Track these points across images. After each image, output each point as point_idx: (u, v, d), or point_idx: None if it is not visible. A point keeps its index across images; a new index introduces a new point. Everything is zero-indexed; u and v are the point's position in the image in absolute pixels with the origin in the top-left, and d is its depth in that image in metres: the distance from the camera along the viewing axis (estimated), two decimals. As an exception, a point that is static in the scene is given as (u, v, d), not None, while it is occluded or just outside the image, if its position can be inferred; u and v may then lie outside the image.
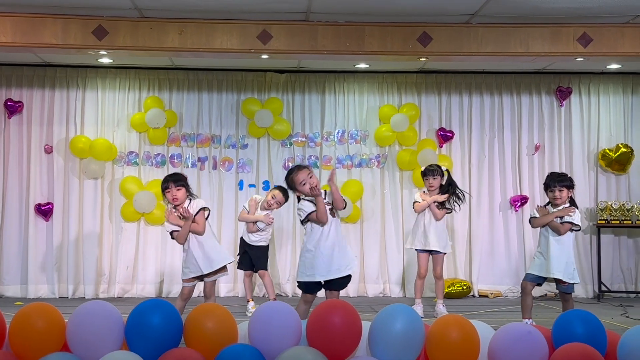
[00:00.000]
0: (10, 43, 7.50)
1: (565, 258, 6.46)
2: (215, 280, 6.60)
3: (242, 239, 8.08)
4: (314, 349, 3.93)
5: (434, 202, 7.73)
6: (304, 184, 5.85)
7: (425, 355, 4.15)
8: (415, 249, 7.90)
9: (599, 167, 9.81)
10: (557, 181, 6.55)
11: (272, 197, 7.85)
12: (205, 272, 6.45)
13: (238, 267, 8.17)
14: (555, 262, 6.41)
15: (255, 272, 8.03)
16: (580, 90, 9.86)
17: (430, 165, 7.98)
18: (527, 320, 6.51)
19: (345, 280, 6.04)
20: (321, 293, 6.05)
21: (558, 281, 6.53)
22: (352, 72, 9.64)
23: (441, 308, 7.77)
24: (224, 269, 6.59)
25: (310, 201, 5.90)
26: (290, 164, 9.46)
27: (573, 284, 6.53)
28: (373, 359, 4.04)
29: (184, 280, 6.58)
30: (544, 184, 6.73)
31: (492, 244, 9.72)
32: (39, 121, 9.39)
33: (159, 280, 9.42)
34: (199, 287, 6.78)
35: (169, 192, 6.41)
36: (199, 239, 6.43)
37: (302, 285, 6.05)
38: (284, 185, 6.30)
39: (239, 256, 8.09)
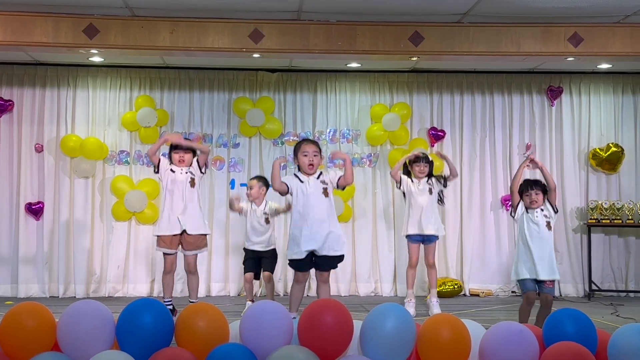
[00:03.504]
0: (1, 41, 7.46)
1: (549, 256, 6.48)
2: (196, 255, 6.83)
3: (245, 251, 7.96)
4: (305, 348, 3.93)
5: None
6: (305, 155, 5.94)
7: (417, 354, 4.15)
8: (407, 235, 7.87)
9: (589, 167, 9.84)
10: (533, 185, 6.55)
11: (249, 188, 7.84)
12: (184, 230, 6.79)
13: (245, 271, 7.99)
14: (543, 263, 6.42)
15: (262, 272, 7.90)
16: (571, 89, 9.89)
17: (420, 153, 8.01)
18: None
19: (334, 261, 6.04)
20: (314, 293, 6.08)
21: (543, 282, 6.51)
22: (343, 71, 9.64)
23: (434, 304, 7.78)
24: (204, 242, 6.86)
25: (297, 177, 5.97)
26: (282, 164, 9.44)
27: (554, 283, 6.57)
28: (365, 358, 4.04)
29: (160, 242, 6.77)
30: (518, 192, 6.63)
31: (483, 243, 9.74)
32: (29, 120, 9.35)
33: (150, 280, 9.40)
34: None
35: (177, 153, 6.98)
36: (188, 196, 6.80)
37: (292, 263, 6.09)
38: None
39: (244, 262, 7.98)
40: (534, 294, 6.45)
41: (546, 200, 6.58)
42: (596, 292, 9.51)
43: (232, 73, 9.64)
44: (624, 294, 9.71)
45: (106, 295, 9.24)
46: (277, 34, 7.69)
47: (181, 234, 7.03)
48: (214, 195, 9.47)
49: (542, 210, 6.52)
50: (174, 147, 7.11)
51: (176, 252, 7.07)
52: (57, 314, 4.17)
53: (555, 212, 6.59)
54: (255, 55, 8.02)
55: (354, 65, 9.19)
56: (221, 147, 9.55)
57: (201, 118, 9.57)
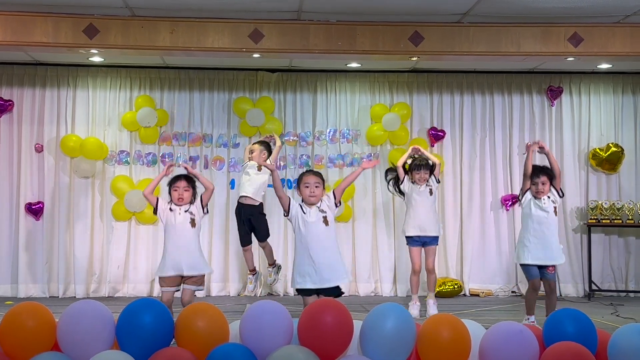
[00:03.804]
0: (1, 41, 7.46)
1: (556, 241, 6.74)
2: (194, 291, 6.59)
3: (237, 206, 8.12)
4: (305, 348, 3.93)
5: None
6: (307, 186, 5.92)
7: (417, 354, 4.15)
8: (407, 238, 7.88)
9: (589, 167, 9.84)
10: (540, 172, 6.76)
11: (251, 152, 8.03)
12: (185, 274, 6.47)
13: (242, 245, 8.20)
14: (552, 248, 6.61)
15: (258, 240, 8.10)
16: (571, 89, 9.89)
17: (420, 159, 7.99)
18: (531, 317, 6.75)
19: (335, 291, 6.04)
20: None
21: (546, 268, 6.77)
22: (343, 71, 9.64)
23: (432, 305, 7.80)
24: (201, 280, 6.65)
25: (301, 207, 5.95)
26: (282, 164, 9.47)
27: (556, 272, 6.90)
28: (365, 358, 4.04)
29: (161, 282, 6.58)
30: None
31: (483, 243, 9.74)
32: (29, 120, 9.36)
33: (150, 280, 9.39)
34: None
35: (176, 190, 6.54)
36: (189, 237, 6.49)
37: (299, 292, 6.12)
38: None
39: (237, 229, 8.18)
40: (538, 281, 6.69)
41: (552, 187, 6.76)
42: (596, 292, 9.51)
43: (232, 73, 9.64)
44: (624, 294, 9.71)
45: (106, 295, 9.24)
46: (277, 34, 7.69)
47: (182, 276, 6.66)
48: (213, 195, 9.41)
49: (549, 197, 6.73)
50: (172, 183, 6.62)
51: (175, 290, 6.65)
52: (57, 314, 4.17)
53: (561, 196, 6.84)
54: (255, 55, 8.02)
55: (354, 65, 9.19)
56: (221, 147, 9.55)
57: (201, 118, 9.57)
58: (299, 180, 6.10)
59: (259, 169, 7.95)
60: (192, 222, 6.55)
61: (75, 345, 4.02)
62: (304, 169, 8.48)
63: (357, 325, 4.15)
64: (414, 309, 7.75)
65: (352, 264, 9.55)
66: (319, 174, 6.09)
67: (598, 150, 9.72)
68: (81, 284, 9.26)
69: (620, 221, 9.45)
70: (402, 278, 9.37)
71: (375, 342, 4.02)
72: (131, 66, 9.46)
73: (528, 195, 6.81)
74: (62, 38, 7.52)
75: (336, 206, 6.08)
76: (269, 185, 7.65)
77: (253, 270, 8.28)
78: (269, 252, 8.21)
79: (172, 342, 4.19)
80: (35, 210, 9.24)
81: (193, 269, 6.47)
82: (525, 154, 6.90)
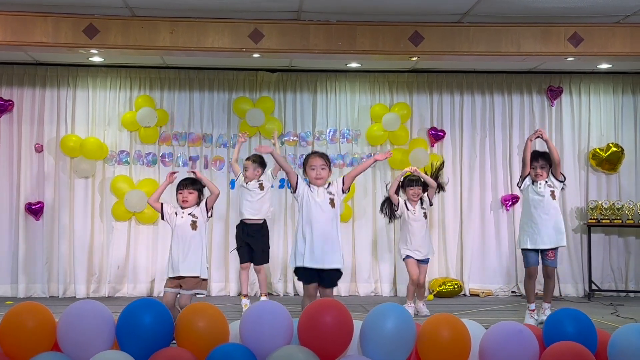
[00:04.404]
0: (1, 41, 7.46)
1: (554, 224, 6.88)
2: (190, 296, 6.55)
3: (238, 225, 7.99)
4: (305, 348, 3.93)
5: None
6: (313, 168, 5.95)
7: (417, 354, 4.15)
8: (404, 256, 7.92)
9: (589, 167, 9.84)
10: (539, 157, 7.00)
11: (245, 169, 7.90)
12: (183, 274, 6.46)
13: (240, 262, 8.06)
14: (548, 233, 6.72)
15: (255, 263, 7.92)
16: (571, 89, 9.89)
17: (412, 176, 7.95)
18: (532, 305, 6.99)
19: (334, 277, 6.05)
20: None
21: (545, 254, 6.92)
22: (343, 71, 9.64)
23: (422, 307, 7.96)
24: (203, 284, 6.61)
25: (308, 185, 5.99)
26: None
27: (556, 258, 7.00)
28: (365, 358, 4.04)
29: (166, 282, 6.59)
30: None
31: (483, 243, 9.74)
32: (29, 120, 9.36)
33: (150, 280, 9.40)
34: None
35: (181, 193, 6.54)
36: (189, 239, 6.47)
37: (297, 274, 6.11)
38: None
39: (236, 249, 8.01)
40: (535, 268, 6.91)
41: (550, 174, 6.98)
42: (596, 292, 9.51)
43: (232, 73, 9.64)
44: (624, 293, 9.71)
45: (106, 295, 9.24)
46: (277, 34, 7.69)
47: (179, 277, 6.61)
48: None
49: (546, 182, 6.95)
50: (178, 188, 6.62)
51: (174, 293, 6.69)
52: (57, 314, 4.17)
53: (561, 181, 7.01)
54: (255, 55, 8.02)
55: (354, 65, 9.19)
56: (221, 147, 9.55)
57: (201, 118, 9.57)
58: (304, 162, 6.15)
59: (261, 187, 7.85)
60: (193, 225, 6.52)
61: (75, 345, 4.02)
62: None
63: (357, 325, 4.15)
64: (409, 309, 7.77)
65: (352, 264, 9.56)
66: (324, 156, 6.12)
67: (598, 150, 9.72)
68: (81, 284, 9.26)
69: (620, 221, 9.45)
70: (402, 278, 9.36)
71: (375, 342, 4.02)
72: (131, 66, 9.46)
73: (527, 180, 7.06)
74: (62, 38, 7.52)
75: (343, 192, 6.11)
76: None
77: (246, 295, 7.93)
78: (263, 280, 7.91)
79: (172, 342, 4.19)
80: (35, 210, 9.24)
81: (189, 270, 6.44)
82: (530, 138, 7.13)
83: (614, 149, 9.68)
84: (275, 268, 9.44)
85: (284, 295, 9.42)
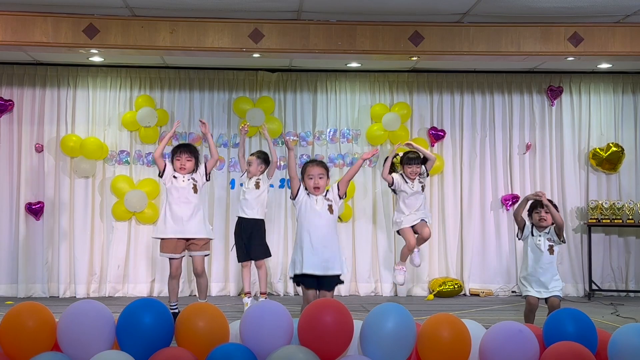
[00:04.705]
0: (1, 41, 7.46)
1: (556, 275, 6.46)
2: (204, 257, 6.76)
3: (237, 222, 7.97)
4: (305, 348, 3.93)
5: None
6: (311, 178, 5.95)
7: (417, 354, 4.15)
8: (398, 227, 7.94)
9: (589, 166, 9.84)
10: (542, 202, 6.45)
11: (248, 164, 7.86)
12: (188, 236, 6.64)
13: (238, 260, 8.09)
14: (551, 283, 6.41)
15: (254, 259, 7.87)
16: (571, 89, 9.89)
17: (412, 153, 7.97)
18: None
19: (334, 282, 6.05)
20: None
21: None
22: (343, 71, 9.64)
23: (416, 254, 7.97)
24: (207, 246, 6.88)
25: (307, 194, 5.98)
26: (282, 163, 9.47)
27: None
28: (365, 358, 4.04)
29: (164, 248, 6.71)
30: (529, 208, 6.54)
31: (483, 243, 9.74)
32: (29, 120, 9.36)
33: (150, 280, 9.40)
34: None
35: (179, 160, 6.74)
36: (192, 201, 6.70)
37: (296, 280, 6.11)
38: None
39: (234, 247, 7.98)
40: (534, 298, 6.43)
41: (552, 228, 6.45)
42: (596, 292, 9.51)
43: (232, 73, 9.64)
44: (624, 293, 9.71)
45: (106, 295, 9.24)
46: (277, 33, 7.69)
47: (186, 239, 6.99)
48: (213, 195, 9.46)
49: (547, 233, 6.42)
50: (175, 153, 6.91)
51: (181, 257, 7.01)
52: (57, 314, 4.17)
53: (561, 242, 6.45)
54: (256, 55, 8.02)
55: (354, 65, 9.19)
56: (221, 147, 9.54)
57: (201, 118, 9.56)
58: (302, 171, 6.14)
59: (257, 186, 7.83)
60: (195, 188, 6.82)
61: (75, 345, 4.02)
62: None
63: (357, 325, 4.15)
64: (400, 275, 7.89)
65: (353, 264, 9.56)
66: (322, 164, 6.11)
67: (598, 150, 9.72)
68: (81, 284, 9.26)
69: (621, 221, 9.45)
70: (402, 278, 9.38)
71: (376, 342, 4.02)
72: (131, 66, 9.46)
73: (526, 230, 6.53)
74: (62, 38, 7.52)
75: (340, 198, 6.12)
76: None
77: (248, 293, 7.91)
78: (263, 277, 7.86)
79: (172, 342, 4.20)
80: (35, 210, 9.24)
81: (197, 232, 6.57)
82: (527, 197, 6.59)
83: (614, 148, 9.67)
84: (275, 268, 9.44)
85: (284, 295, 9.41)
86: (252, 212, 7.81)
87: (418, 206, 7.85)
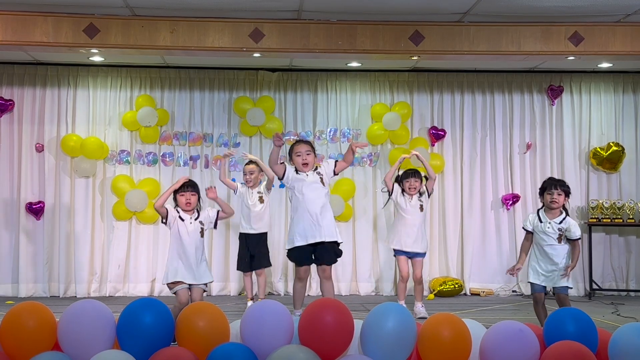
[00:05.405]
0: (1, 41, 7.46)
1: (559, 268, 6.37)
2: (203, 290, 6.58)
3: (241, 237, 7.95)
4: (306, 348, 3.93)
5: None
6: (298, 155, 6.08)
7: (417, 353, 4.15)
8: (395, 250, 7.81)
9: (590, 166, 9.84)
10: (558, 184, 6.45)
11: (249, 174, 7.80)
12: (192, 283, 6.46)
13: (237, 268, 8.10)
14: (554, 273, 6.37)
15: (255, 269, 7.89)
16: (571, 88, 9.89)
17: (410, 169, 7.91)
18: None
19: (333, 253, 6.08)
20: (317, 293, 6.10)
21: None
22: (344, 70, 9.64)
23: (420, 308, 7.68)
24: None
25: (295, 170, 6.10)
26: (282, 163, 9.46)
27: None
28: (365, 358, 4.04)
29: (172, 285, 6.55)
30: (541, 187, 6.58)
31: (483, 242, 9.74)
32: (30, 120, 9.36)
33: (151, 279, 9.40)
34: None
35: (183, 195, 6.44)
36: (198, 247, 6.46)
37: (291, 256, 6.16)
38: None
39: (238, 258, 7.97)
40: (540, 295, 6.42)
41: (568, 220, 6.42)
42: (597, 291, 9.51)
43: (232, 72, 9.64)
44: (625, 293, 9.71)
45: (107, 295, 9.24)
46: (278, 33, 7.69)
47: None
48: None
49: (558, 222, 6.39)
50: (178, 190, 6.51)
51: (187, 287, 6.71)
52: (57, 314, 4.17)
53: (576, 237, 6.39)
54: (256, 55, 8.02)
55: (354, 64, 9.19)
56: (222, 147, 9.54)
57: (202, 117, 9.57)
58: (290, 151, 6.34)
59: (261, 200, 7.79)
60: (202, 232, 6.50)
61: (75, 345, 4.02)
62: None
63: (358, 324, 4.15)
64: (420, 310, 7.72)
65: (353, 264, 9.56)
66: (308, 142, 6.36)
67: (599, 149, 9.71)
68: (82, 284, 9.26)
69: (621, 220, 9.45)
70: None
71: (376, 341, 4.02)
72: (131, 66, 9.46)
73: (534, 218, 6.55)
74: (63, 38, 7.52)
75: (334, 174, 6.35)
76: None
77: (252, 298, 7.94)
78: (262, 285, 7.88)
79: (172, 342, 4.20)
80: (35, 209, 9.24)
81: (200, 279, 6.44)
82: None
83: (614, 148, 9.67)
84: (275, 268, 9.43)
85: (284, 295, 9.41)
86: (258, 227, 7.83)
87: (416, 228, 7.64)
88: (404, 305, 7.62)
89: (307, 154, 6.22)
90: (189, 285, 6.40)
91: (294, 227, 6.24)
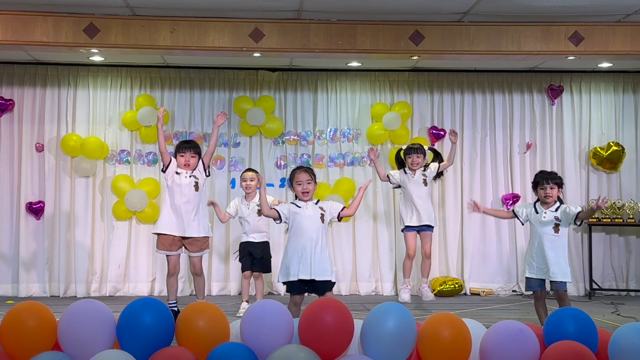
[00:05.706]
0: (1, 41, 7.47)
1: (561, 258, 6.36)
2: (201, 257, 6.82)
3: (242, 245, 7.88)
4: (306, 348, 3.93)
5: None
6: (299, 184, 5.99)
7: (417, 353, 4.15)
8: (404, 228, 7.91)
9: (590, 166, 9.83)
10: (549, 178, 6.48)
11: (250, 180, 7.72)
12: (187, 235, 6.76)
13: (243, 270, 8.06)
14: (552, 265, 6.34)
15: (254, 272, 7.87)
16: (571, 88, 9.88)
17: (414, 144, 8.00)
18: None
19: (325, 286, 6.05)
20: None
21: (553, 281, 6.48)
22: (344, 70, 9.64)
23: (426, 289, 7.86)
24: (206, 244, 6.97)
25: (295, 204, 6.01)
26: (283, 163, 9.48)
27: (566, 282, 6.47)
28: (365, 358, 4.04)
29: (161, 245, 6.76)
30: (533, 182, 6.60)
31: (484, 242, 9.74)
32: (30, 119, 9.36)
33: (151, 279, 9.40)
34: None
35: (182, 156, 6.80)
36: (192, 199, 6.81)
37: (286, 286, 6.13)
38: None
39: (240, 259, 7.95)
40: (538, 292, 6.42)
41: (562, 206, 6.42)
42: (597, 291, 9.51)
43: (232, 72, 9.64)
44: (625, 293, 9.71)
45: (107, 295, 9.24)
46: (278, 33, 7.69)
47: (184, 237, 7.00)
48: (214, 194, 9.45)
49: (553, 210, 6.40)
50: (179, 150, 6.93)
51: (179, 254, 7.04)
52: (57, 314, 4.17)
53: (579, 224, 6.41)
54: (256, 55, 8.02)
55: (354, 64, 9.19)
56: (222, 147, 9.54)
57: (202, 117, 9.57)
58: (290, 178, 6.21)
59: (259, 213, 7.63)
60: (196, 186, 6.87)
61: (76, 345, 4.02)
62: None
63: (358, 324, 4.15)
64: (405, 293, 7.83)
65: (353, 264, 9.57)
66: (309, 170, 6.19)
67: (599, 149, 9.71)
68: (82, 284, 9.26)
69: (621, 220, 9.45)
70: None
71: (376, 341, 4.02)
72: (131, 65, 9.46)
73: (529, 209, 6.55)
74: (63, 37, 7.52)
75: (338, 220, 6.18)
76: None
77: (247, 301, 7.90)
78: (260, 289, 7.90)
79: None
80: (35, 209, 9.24)
81: (198, 231, 6.63)
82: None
83: (614, 147, 9.67)
84: (275, 268, 9.37)
85: (284, 294, 9.39)
86: (259, 236, 7.79)
87: (421, 200, 7.79)
88: (409, 286, 7.78)
89: (308, 183, 6.07)
90: (181, 247, 6.65)
91: (286, 260, 6.13)
